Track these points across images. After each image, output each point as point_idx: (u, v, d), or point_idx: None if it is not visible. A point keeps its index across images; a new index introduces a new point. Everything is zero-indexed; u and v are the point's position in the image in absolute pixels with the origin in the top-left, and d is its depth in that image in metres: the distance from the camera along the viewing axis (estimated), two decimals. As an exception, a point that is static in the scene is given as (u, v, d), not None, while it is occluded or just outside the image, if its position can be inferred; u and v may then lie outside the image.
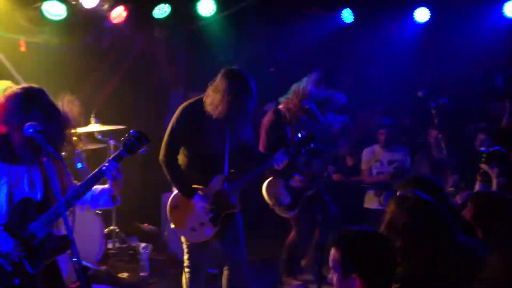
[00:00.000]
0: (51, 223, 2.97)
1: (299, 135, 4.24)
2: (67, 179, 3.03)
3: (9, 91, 3.00)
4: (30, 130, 2.78)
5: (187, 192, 4.06)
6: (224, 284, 4.31)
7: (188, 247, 4.20)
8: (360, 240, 2.32)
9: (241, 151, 4.31)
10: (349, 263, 2.27)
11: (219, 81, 4.01)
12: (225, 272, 4.28)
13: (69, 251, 3.49)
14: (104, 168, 3.06)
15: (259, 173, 4.30)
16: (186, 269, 4.25)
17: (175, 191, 4.14)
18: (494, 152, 4.47)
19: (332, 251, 2.34)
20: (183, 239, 4.23)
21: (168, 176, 4.10)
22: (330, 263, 2.35)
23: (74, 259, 4.18)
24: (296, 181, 4.97)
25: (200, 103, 4.03)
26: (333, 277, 2.36)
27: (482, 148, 4.60)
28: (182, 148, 4.09)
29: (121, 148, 3.17)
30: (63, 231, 3.10)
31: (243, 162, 4.38)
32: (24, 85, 3.08)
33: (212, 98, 3.95)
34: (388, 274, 2.29)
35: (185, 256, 4.25)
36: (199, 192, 4.04)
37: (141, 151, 3.22)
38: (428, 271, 2.50)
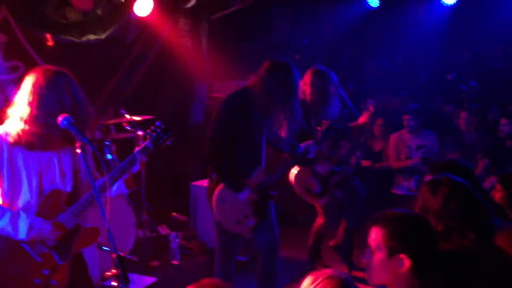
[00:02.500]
0: (80, 214, 3.02)
1: (324, 126, 4.35)
2: (91, 170, 3.08)
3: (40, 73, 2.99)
4: (65, 123, 2.80)
5: (236, 187, 4.06)
6: (257, 271, 4.37)
7: (221, 240, 4.26)
8: (407, 220, 2.31)
9: (275, 141, 4.35)
10: (397, 242, 2.25)
11: (266, 72, 3.99)
12: (259, 260, 4.33)
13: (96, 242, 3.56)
14: (136, 154, 3.14)
15: (293, 164, 4.37)
16: (218, 255, 4.32)
17: (220, 186, 4.09)
18: None
19: (375, 231, 2.31)
20: (217, 235, 4.29)
21: (216, 170, 4.08)
22: (372, 243, 2.32)
23: (104, 248, 4.35)
24: (322, 166, 4.99)
25: (244, 94, 4.02)
26: (371, 257, 2.32)
27: None
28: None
29: (147, 140, 3.20)
30: (89, 223, 3.16)
31: (276, 153, 4.44)
32: (55, 68, 3.06)
33: (259, 88, 3.94)
34: (433, 254, 2.28)
35: (219, 249, 4.32)
36: (248, 186, 4.06)
37: (166, 143, 3.24)
38: (462, 254, 2.48)
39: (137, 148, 3.22)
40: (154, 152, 3.28)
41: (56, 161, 3.02)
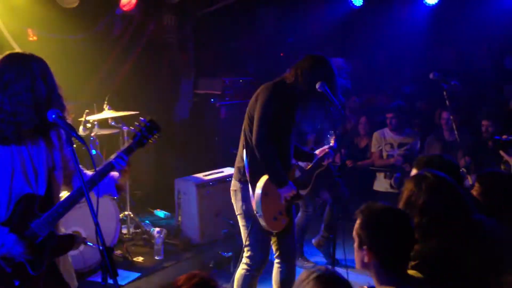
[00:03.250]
0: (54, 222, 2.74)
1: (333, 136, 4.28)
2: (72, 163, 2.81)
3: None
4: (53, 116, 2.60)
5: (282, 181, 3.82)
6: (277, 277, 4.11)
7: (254, 238, 3.93)
8: (379, 214, 2.35)
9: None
10: (363, 234, 2.32)
11: (311, 67, 3.80)
12: (277, 264, 4.11)
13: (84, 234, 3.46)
14: (113, 161, 2.82)
15: (318, 163, 4.21)
16: (248, 260, 3.99)
17: (264, 178, 3.81)
18: (508, 141, 4.45)
19: (358, 219, 2.39)
20: (247, 233, 3.95)
21: (265, 161, 3.78)
22: (354, 231, 2.40)
23: (89, 243, 4.28)
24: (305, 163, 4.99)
25: (284, 85, 3.82)
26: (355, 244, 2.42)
27: (497, 136, 4.59)
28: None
29: (131, 140, 2.91)
30: (63, 230, 2.92)
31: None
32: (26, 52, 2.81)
33: (301, 81, 3.76)
34: (401, 253, 2.32)
35: (247, 248, 3.98)
36: (290, 181, 3.87)
37: (151, 141, 2.94)
38: (445, 248, 2.54)
39: (118, 151, 2.89)
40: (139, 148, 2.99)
41: (27, 157, 2.73)
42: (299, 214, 5.53)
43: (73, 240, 2.87)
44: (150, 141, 2.92)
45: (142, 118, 2.94)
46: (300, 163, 4.59)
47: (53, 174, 2.79)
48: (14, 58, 2.73)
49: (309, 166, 4.31)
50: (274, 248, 4.09)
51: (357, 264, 2.39)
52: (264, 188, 3.80)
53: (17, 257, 2.66)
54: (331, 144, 4.30)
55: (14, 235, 2.64)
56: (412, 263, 2.47)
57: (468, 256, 2.55)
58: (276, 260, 4.11)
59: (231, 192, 4.04)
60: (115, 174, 2.93)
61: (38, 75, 2.68)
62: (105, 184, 2.90)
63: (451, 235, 2.56)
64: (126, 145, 2.93)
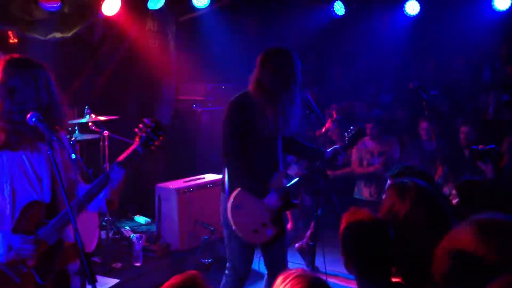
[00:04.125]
0: (62, 228, 2.68)
1: (352, 131, 4.11)
2: (73, 171, 2.77)
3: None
4: (33, 119, 2.54)
5: (260, 191, 3.72)
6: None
7: (235, 249, 3.86)
8: (361, 223, 2.36)
9: (290, 143, 4.05)
10: (344, 242, 2.36)
11: (259, 64, 3.69)
12: (267, 276, 4.03)
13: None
14: (109, 172, 2.69)
15: (321, 170, 4.02)
16: (230, 270, 3.94)
17: (235, 191, 3.74)
18: (488, 150, 4.52)
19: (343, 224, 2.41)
20: (230, 242, 3.89)
21: (237, 177, 3.73)
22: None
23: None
24: (294, 169, 4.96)
25: (245, 94, 3.74)
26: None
27: (475, 146, 4.65)
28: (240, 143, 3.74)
29: (135, 143, 2.68)
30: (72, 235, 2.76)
31: (294, 155, 4.16)
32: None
33: (256, 84, 3.67)
34: (382, 261, 2.34)
35: (229, 258, 3.94)
36: (273, 190, 3.74)
37: (157, 144, 2.71)
38: (427, 257, 2.57)
39: (122, 157, 2.72)
40: (117, 152, 2.85)
41: (27, 163, 2.68)
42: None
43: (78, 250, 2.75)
44: (156, 143, 2.71)
45: (146, 119, 2.73)
46: (290, 171, 4.58)
47: (56, 181, 2.67)
48: (17, 63, 2.70)
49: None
50: (264, 260, 4.04)
51: (347, 269, 2.42)
52: (235, 200, 3.73)
53: (29, 257, 2.59)
54: (345, 142, 4.12)
55: (19, 235, 2.58)
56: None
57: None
58: (267, 272, 4.06)
59: (220, 202, 3.99)
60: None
61: (42, 84, 2.66)
62: (97, 200, 2.77)
63: (431, 244, 2.59)
64: (126, 152, 2.72)
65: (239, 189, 3.75)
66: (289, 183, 3.95)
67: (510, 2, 7.93)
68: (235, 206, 3.73)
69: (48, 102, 2.67)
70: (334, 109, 7.44)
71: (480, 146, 4.50)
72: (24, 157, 2.68)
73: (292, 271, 2.04)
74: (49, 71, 2.74)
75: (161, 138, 2.70)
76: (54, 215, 2.67)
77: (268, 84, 3.64)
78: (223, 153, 3.74)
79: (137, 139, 2.70)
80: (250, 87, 3.73)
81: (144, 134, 2.68)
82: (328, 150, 4.04)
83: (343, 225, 2.40)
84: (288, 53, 3.72)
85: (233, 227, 3.74)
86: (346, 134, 4.17)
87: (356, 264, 2.32)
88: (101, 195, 2.76)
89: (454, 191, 3.42)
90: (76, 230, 2.39)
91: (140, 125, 2.71)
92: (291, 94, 3.67)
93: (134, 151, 2.70)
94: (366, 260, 2.33)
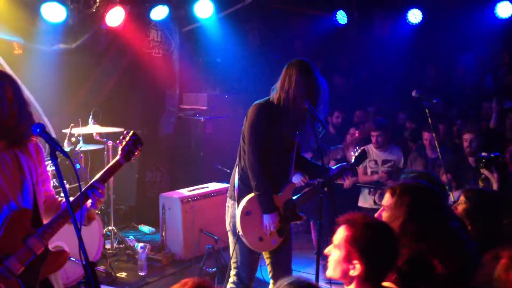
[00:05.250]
0: (48, 238, 2.70)
1: (357, 152, 4.18)
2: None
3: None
4: (38, 130, 2.61)
5: (268, 207, 3.76)
6: None
7: (240, 256, 3.88)
8: (372, 229, 2.34)
9: (297, 158, 4.05)
10: (356, 248, 2.31)
11: (287, 75, 3.72)
12: (272, 285, 4.04)
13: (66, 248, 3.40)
14: (89, 191, 2.76)
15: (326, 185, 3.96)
16: (234, 278, 3.95)
17: (248, 197, 3.78)
18: (493, 158, 4.52)
19: (342, 230, 2.37)
20: (235, 248, 3.90)
21: (255, 183, 3.73)
22: (336, 240, 2.38)
23: (72, 258, 4.23)
24: (300, 179, 4.96)
25: (268, 103, 3.77)
26: (332, 251, 2.39)
27: (481, 154, 4.66)
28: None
29: (120, 154, 2.84)
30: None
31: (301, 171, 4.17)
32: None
33: (281, 93, 3.70)
34: (390, 267, 2.35)
35: (234, 265, 3.95)
36: (277, 210, 3.79)
37: (136, 155, 2.90)
38: (422, 260, 2.57)
39: (105, 173, 2.83)
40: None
41: (6, 171, 2.67)
42: None
43: (65, 257, 2.83)
44: (135, 155, 2.89)
45: (126, 132, 2.91)
46: (294, 180, 4.58)
47: (37, 188, 2.75)
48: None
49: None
50: (268, 268, 4.04)
51: (335, 275, 2.39)
52: (246, 207, 3.77)
53: (15, 276, 2.61)
54: (352, 160, 4.16)
55: (14, 258, 2.60)
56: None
57: (444, 267, 2.59)
58: (271, 281, 4.06)
59: (226, 208, 4.00)
60: (87, 203, 2.81)
61: (1, 94, 2.62)
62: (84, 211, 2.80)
63: (429, 247, 2.60)
64: (110, 166, 2.83)
65: (252, 195, 3.78)
66: (299, 197, 3.97)
67: (512, 10, 7.96)
68: (245, 212, 3.76)
69: (11, 111, 2.64)
70: (358, 129, 7.45)
71: (485, 154, 4.51)
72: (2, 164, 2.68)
73: (286, 278, 2.04)
74: (13, 82, 2.72)
75: (139, 150, 2.89)
76: (38, 224, 2.71)
77: (286, 96, 3.69)
78: (247, 156, 3.74)
79: (119, 152, 2.85)
80: (275, 96, 3.76)
81: (126, 147, 2.85)
82: (333, 168, 4.08)
83: (352, 230, 2.35)
84: (308, 67, 3.75)
85: (240, 232, 3.77)
86: (353, 153, 4.21)
87: (365, 269, 2.29)
88: (83, 211, 2.79)
89: (460, 198, 3.43)
90: (80, 239, 2.41)
91: (121, 138, 2.88)
92: (305, 107, 3.70)
93: (118, 163, 2.85)
94: (378, 266, 2.31)
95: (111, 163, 2.87)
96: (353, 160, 4.17)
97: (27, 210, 2.68)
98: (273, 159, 3.80)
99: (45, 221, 2.76)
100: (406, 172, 3.38)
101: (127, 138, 2.87)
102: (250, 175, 3.75)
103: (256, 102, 3.84)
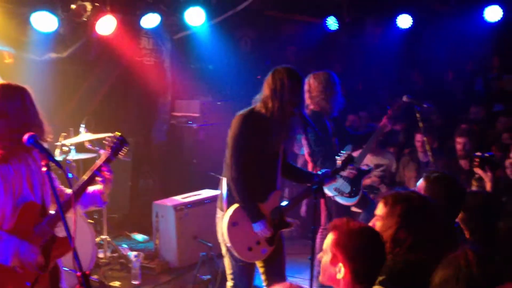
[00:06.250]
0: (54, 226, 3.05)
1: (344, 156, 4.14)
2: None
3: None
4: (31, 141, 2.80)
5: (254, 215, 3.76)
6: None
7: (235, 267, 3.89)
8: (356, 232, 2.38)
9: (283, 164, 4.03)
10: (340, 251, 2.34)
11: (277, 82, 3.74)
12: None
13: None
14: (96, 171, 3.15)
15: (309, 192, 3.98)
16: None
17: (233, 207, 3.79)
18: (487, 157, 4.56)
19: (330, 234, 2.41)
20: (228, 259, 3.92)
21: (238, 195, 3.76)
22: (325, 244, 2.42)
23: (64, 268, 4.26)
24: (349, 172, 4.98)
25: (252, 111, 3.79)
26: (322, 257, 2.42)
27: (476, 153, 4.70)
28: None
29: (108, 152, 3.20)
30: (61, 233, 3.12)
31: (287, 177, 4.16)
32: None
33: (266, 101, 3.72)
34: (376, 270, 2.37)
35: (230, 276, 3.95)
36: (264, 218, 3.78)
37: (123, 154, 3.26)
38: (413, 264, 2.58)
39: (98, 162, 3.20)
40: (116, 170, 3.29)
41: (23, 172, 3.02)
42: None
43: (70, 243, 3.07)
44: (122, 154, 3.24)
45: (113, 134, 3.26)
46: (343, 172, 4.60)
47: (44, 187, 3.10)
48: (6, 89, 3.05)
49: None
50: (262, 277, 4.03)
51: (324, 279, 2.42)
52: (232, 218, 3.76)
53: (32, 263, 2.92)
54: (337, 165, 4.13)
55: (27, 242, 2.92)
56: (380, 278, 2.50)
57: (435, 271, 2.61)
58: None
59: (216, 219, 3.99)
60: (98, 187, 3.24)
61: (27, 104, 3.02)
62: (89, 196, 3.23)
63: (419, 252, 2.61)
64: (103, 157, 3.21)
65: (237, 206, 3.77)
66: (288, 204, 3.97)
67: (501, 13, 8.02)
68: (232, 223, 3.76)
69: (25, 121, 2.99)
70: (389, 108, 7.46)
71: (479, 153, 4.54)
72: (21, 167, 3.02)
73: (280, 285, 2.06)
74: (26, 94, 3.07)
75: (126, 149, 3.26)
76: (45, 215, 3.07)
77: (274, 103, 3.70)
78: (229, 167, 3.76)
79: (108, 149, 3.22)
80: (259, 104, 3.78)
81: (114, 145, 3.21)
82: (317, 173, 4.07)
83: (337, 233, 2.38)
84: (294, 72, 3.79)
85: (229, 244, 3.77)
86: (338, 158, 4.19)
87: (350, 272, 2.31)
88: (96, 193, 3.24)
89: None
90: (74, 249, 2.55)
91: (108, 138, 3.24)
92: (293, 114, 3.75)
93: (108, 159, 3.20)
94: (363, 269, 2.33)
95: (101, 157, 3.21)
96: (339, 165, 4.14)
97: (36, 203, 3.04)
98: (259, 168, 3.80)
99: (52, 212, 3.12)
100: (428, 171, 3.42)
101: (114, 139, 3.23)
102: (232, 187, 3.77)
103: (240, 112, 3.83)
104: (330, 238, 2.40)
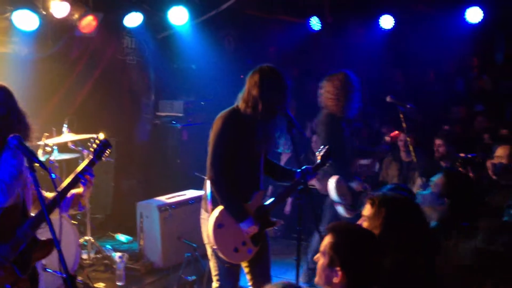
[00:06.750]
0: (36, 228, 3.04)
1: (323, 151, 4.14)
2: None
3: None
4: (15, 142, 2.79)
5: (238, 215, 3.73)
6: None
7: (220, 268, 3.87)
8: (353, 236, 2.39)
9: (264, 162, 4.02)
10: (337, 254, 2.35)
11: (259, 80, 3.72)
12: None
13: (43, 261, 3.51)
14: (79, 174, 3.19)
15: (293, 189, 4.02)
16: None
17: (218, 209, 3.74)
18: (470, 158, 4.63)
19: (327, 237, 2.41)
20: (214, 261, 3.89)
21: (219, 196, 3.73)
22: (322, 247, 2.42)
23: (48, 270, 4.23)
24: (357, 184, 5.01)
25: (236, 111, 3.76)
26: (319, 259, 2.43)
27: (460, 154, 4.78)
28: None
29: (91, 155, 3.26)
30: (40, 236, 3.14)
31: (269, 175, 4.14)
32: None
33: (250, 102, 3.70)
34: (373, 273, 2.38)
35: (215, 278, 3.91)
36: (250, 216, 3.76)
37: (106, 157, 3.32)
38: (403, 265, 2.61)
39: (82, 165, 3.23)
40: (98, 171, 3.38)
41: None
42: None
43: (52, 245, 3.09)
44: (105, 156, 3.29)
45: (95, 135, 3.31)
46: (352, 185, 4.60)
47: (25, 189, 3.10)
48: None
49: None
50: (247, 277, 4.01)
51: (321, 282, 2.42)
52: (218, 220, 3.72)
53: (9, 262, 2.95)
54: (317, 161, 4.15)
55: (7, 245, 2.94)
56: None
57: (425, 272, 2.64)
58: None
59: (200, 220, 3.97)
60: (77, 190, 3.28)
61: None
62: (68, 200, 3.26)
63: (413, 256, 2.64)
64: (86, 160, 3.25)
65: (222, 207, 3.75)
66: (271, 203, 3.95)
67: (481, 15, 8.14)
68: (217, 225, 3.72)
69: (6, 115, 3.03)
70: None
71: (462, 155, 4.61)
72: None
73: (278, 283, 2.06)
74: (7, 89, 3.12)
75: (109, 152, 3.31)
76: (26, 216, 3.08)
77: (259, 102, 3.68)
78: (209, 169, 3.74)
79: (91, 152, 3.27)
80: (241, 104, 3.76)
81: (97, 148, 3.26)
82: (298, 170, 4.02)
83: (334, 236, 2.39)
84: (278, 72, 3.77)
85: (215, 246, 3.75)
86: (318, 153, 4.19)
87: (348, 276, 2.33)
88: (76, 197, 3.30)
89: None
90: (59, 251, 2.58)
91: (92, 140, 3.30)
92: (278, 113, 3.74)
93: (91, 162, 3.25)
94: (361, 273, 2.34)
95: (85, 161, 3.25)
96: (319, 160, 4.14)
97: (18, 205, 3.04)
98: (241, 169, 3.78)
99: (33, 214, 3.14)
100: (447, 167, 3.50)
101: (97, 141, 3.28)
102: (214, 188, 3.75)
103: (221, 113, 3.80)
104: (327, 240, 2.40)
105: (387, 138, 5.66)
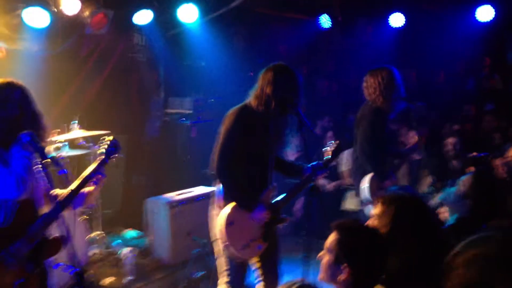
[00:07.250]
0: (47, 226, 3.08)
1: (333, 146, 4.10)
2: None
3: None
4: (28, 139, 2.85)
5: (249, 204, 3.75)
6: None
7: (230, 264, 3.88)
8: (360, 233, 2.40)
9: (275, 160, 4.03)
10: (343, 251, 2.36)
11: (271, 78, 3.73)
12: None
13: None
14: (92, 174, 3.26)
15: (303, 186, 3.99)
16: (226, 286, 3.93)
17: (230, 206, 3.75)
18: (481, 158, 4.60)
19: (333, 234, 2.42)
20: (224, 257, 3.90)
21: (228, 187, 3.76)
22: (327, 244, 2.42)
23: (59, 264, 4.27)
24: (389, 183, 4.94)
25: (247, 108, 3.77)
26: (324, 256, 2.43)
27: (470, 154, 4.75)
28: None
29: (103, 156, 3.33)
30: (52, 233, 3.18)
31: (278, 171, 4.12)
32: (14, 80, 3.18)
33: (264, 99, 3.70)
34: (379, 270, 2.38)
35: (225, 273, 3.92)
36: (262, 203, 3.76)
37: (116, 157, 3.39)
38: (411, 264, 2.61)
39: (94, 166, 3.29)
40: (108, 165, 3.39)
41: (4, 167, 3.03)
42: None
43: (61, 243, 3.14)
44: (115, 157, 3.37)
45: (105, 136, 3.40)
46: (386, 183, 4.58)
47: (35, 184, 3.13)
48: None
49: None
50: (258, 272, 4.02)
51: (326, 279, 2.42)
52: (229, 217, 3.73)
53: (19, 259, 2.98)
54: (327, 156, 4.09)
55: (21, 241, 2.99)
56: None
57: (434, 270, 2.63)
58: (262, 283, 4.02)
59: (211, 216, 3.98)
60: (87, 188, 3.31)
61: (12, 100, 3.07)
62: (79, 197, 3.28)
63: (417, 252, 2.63)
64: (98, 161, 3.32)
65: (233, 204, 3.75)
66: (281, 200, 3.94)
67: (493, 13, 8.08)
68: (229, 223, 3.72)
69: (19, 116, 3.05)
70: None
71: (474, 154, 4.59)
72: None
73: (294, 281, 2.06)
74: (24, 88, 3.17)
75: (119, 153, 3.40)
76: (36, 216, 3.11)
77: (272, 100, 3.69)
78: (219, 164, 3.74)
79: (102, 154, 3.34)
80: (253, 101, 3.76)
81: (108, 149, 3.35)
82: (308, 166, 4.01)
83: (340, 233, 2.40)
84: (292, 70, 3.78)
85: (226, 242, 3.74)
86: (328, 148, 4.14)
87: (354, 273, 2.33)
88: (86, 194, 3.34)
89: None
90: (72, 247, 2.67)
91: (102, 140, 3.39)
92: (289, 111, 3.74)
93: (103, 162, 3.33)
94: (367, 270, 2.34)
95: (96, 161, 3.33)
96: (330, 156, 4.10)
97: (31, 201, 3.09)
98: (251, 166, 3.79)
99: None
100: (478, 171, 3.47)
101: (108, 142, 3.36)
102: (221, 180, 3.76)
103: (233, 108, 3.81)
104: (333, 237, 2.40)
105: (412, 140, 5.48)
